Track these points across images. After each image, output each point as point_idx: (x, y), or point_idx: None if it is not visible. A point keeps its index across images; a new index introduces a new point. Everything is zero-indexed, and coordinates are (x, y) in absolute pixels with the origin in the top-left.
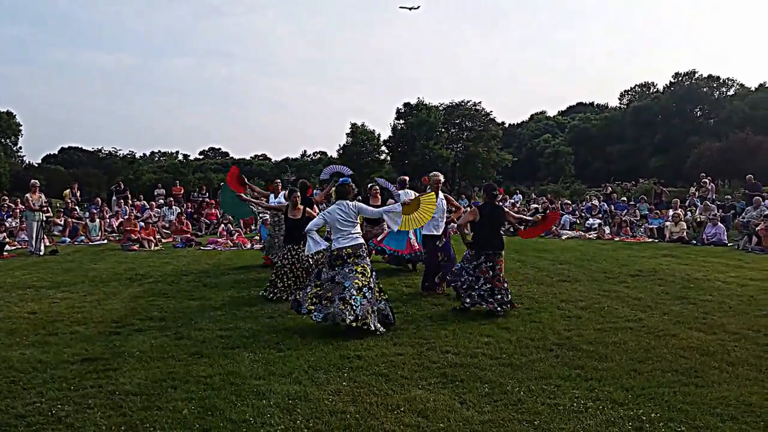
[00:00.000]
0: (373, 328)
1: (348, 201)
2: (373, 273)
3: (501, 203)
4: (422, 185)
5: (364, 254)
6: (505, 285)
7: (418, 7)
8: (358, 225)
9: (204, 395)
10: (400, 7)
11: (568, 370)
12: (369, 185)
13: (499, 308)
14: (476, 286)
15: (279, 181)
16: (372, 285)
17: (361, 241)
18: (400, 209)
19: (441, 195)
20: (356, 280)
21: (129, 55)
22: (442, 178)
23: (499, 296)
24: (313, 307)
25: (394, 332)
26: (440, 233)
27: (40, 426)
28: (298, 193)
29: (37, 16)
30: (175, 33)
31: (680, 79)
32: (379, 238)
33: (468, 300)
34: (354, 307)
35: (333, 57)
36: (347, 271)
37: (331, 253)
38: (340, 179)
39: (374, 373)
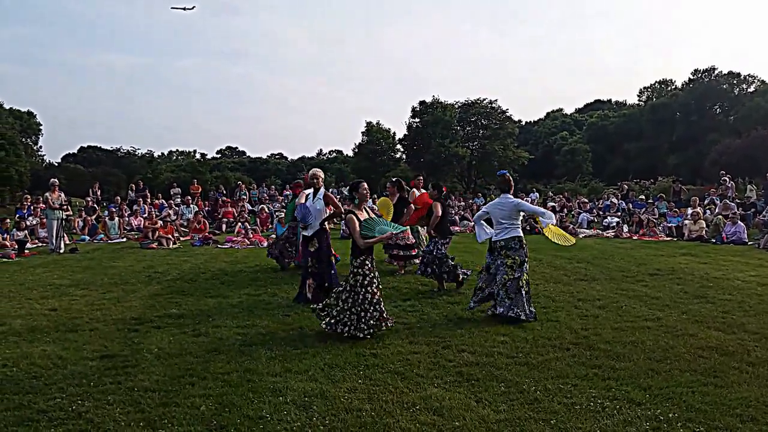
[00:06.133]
0: (524, 318)
1: (509, 195)
2: (524, 265)
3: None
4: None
5: (518, 246)
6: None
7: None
8: (518, 220)
9: (221, 392)
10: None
11: (585, 369)
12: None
13: (446, 275)
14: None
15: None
16: (517, 276)
17: (517, 234)
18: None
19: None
20: (504, 275)
21: (146, 56)
22: (320, 174)
23: (447, 269)
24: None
25: (410, 330)
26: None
27: (61, 421)
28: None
29: (55, 18)
30: (190, 33)
31: (699, 75)
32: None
33: (426, 269)
34: (499, 302)
35: (348, 56)
36: (499, 263)
37: (491, 243)
38: (499, 171)
39: (390, 371)
